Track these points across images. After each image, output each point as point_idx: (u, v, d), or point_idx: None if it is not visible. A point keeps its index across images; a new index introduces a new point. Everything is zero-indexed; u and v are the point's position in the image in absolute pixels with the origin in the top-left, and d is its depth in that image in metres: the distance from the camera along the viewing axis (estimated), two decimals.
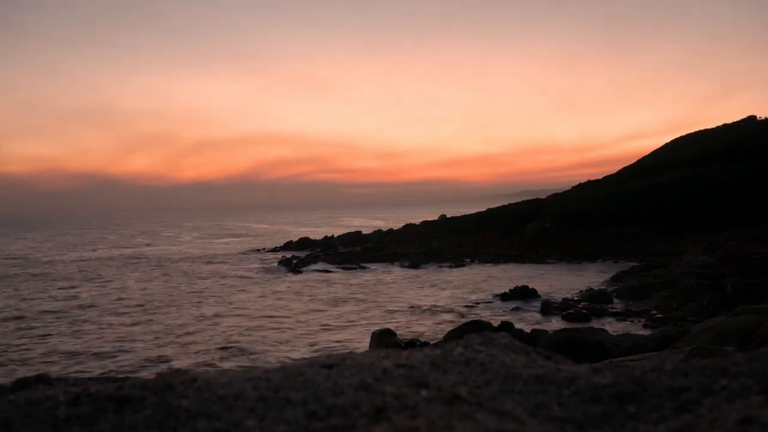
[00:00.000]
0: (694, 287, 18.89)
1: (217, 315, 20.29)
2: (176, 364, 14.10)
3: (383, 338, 14.28)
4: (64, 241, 71.64)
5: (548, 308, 19.36)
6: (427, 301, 22.23)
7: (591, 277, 27.47)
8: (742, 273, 19.65)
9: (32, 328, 18.65)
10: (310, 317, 19.62)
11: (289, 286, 27.26)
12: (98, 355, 15.11)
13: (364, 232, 53.94)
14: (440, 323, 18.15)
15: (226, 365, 13.85)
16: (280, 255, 41.78)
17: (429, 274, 30.61)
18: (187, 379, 1.37)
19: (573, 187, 51.78)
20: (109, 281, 30.69)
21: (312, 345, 15.83)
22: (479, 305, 21.12)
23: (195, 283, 29.13)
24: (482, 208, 52.77)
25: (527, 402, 1.30)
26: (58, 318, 20.28)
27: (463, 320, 17.64)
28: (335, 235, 53.54)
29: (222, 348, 15.63)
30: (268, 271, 34.04)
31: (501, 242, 40.14)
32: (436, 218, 58.05)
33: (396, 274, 31.03)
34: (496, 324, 15.82)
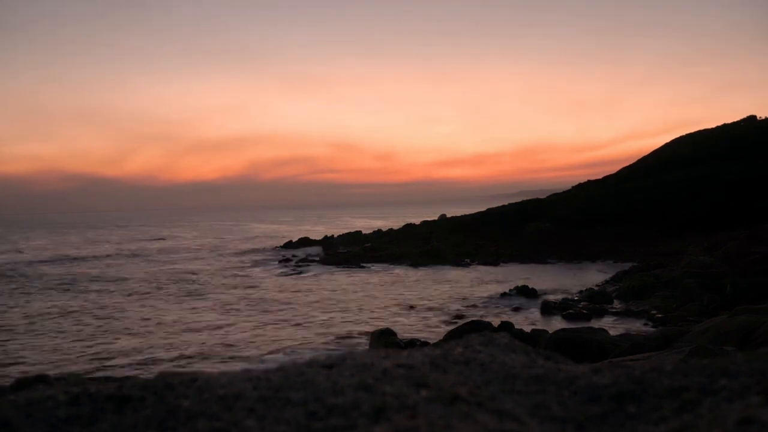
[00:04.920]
0: (694, 287, 18.90)
1: (214, 315, 20.29)
2: (175, 363, 14.09)
3: (383, 338, 14.29)
4: (65, 242, 71.67)
5: (548, 308, 19.38)
6: (427, 301, 22.24)
7: (591, 277, 27.48)
8: (742, 273, 19.65)
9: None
10: (309, 317, 19.63)
11: (288, 286, 27.26)
12: (89, 358, 15.11)
13: (364, 232, 53.97)
14: (440, 323, 18.16)
15: (226, 365, 13.85)
16: (279, 255, 41.80)
17: (429, 274, 30.61)
18: (187, 379, 1.37)
19: (573, 187, 51.75)
20: (111, 281, 30.69)
21: (311, 345, 15.83)
22: (479, 305, 21.13)
23: (193, 284, 29.13)
24: (482, 208, 52.76)
25: (527, 402, 1.30)
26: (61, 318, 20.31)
27: (463, 320, 17.64)
28: (335, 235, 53.57)
29: (221, 348, 15.63)
30: (268, 270, 34.04)
31: (501, 242, 40.14)
32: (436, 218, 58.05)
33: (396, 274, 31.03)
34: (496, 324, 15.83)
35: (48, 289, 27.64)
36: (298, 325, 18.52)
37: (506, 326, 15.60)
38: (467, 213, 54.13)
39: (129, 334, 17.47)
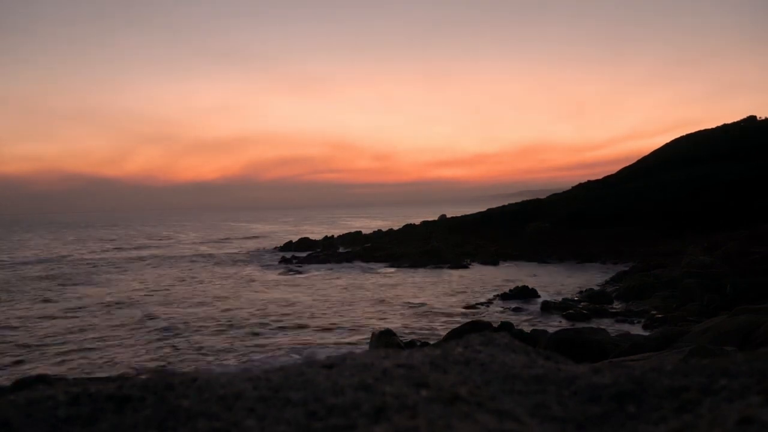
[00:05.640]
0: (694, 287, 18.88)
1: (214, 315, 20.28)
2: (174, 364, 14.10)
3: (383, 338, 14.28)
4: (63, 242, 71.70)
5: (548, 308, 19.37)
6: (427, 301, 22.23)
7: (591, 277, 27.47)
8: (742, 273, 19.64)
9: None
10: (309, 318, 19.62)
11: (288, 287, 27.26)
12: (86, 355, 15.11)
13: (364, 232, 53.96)
14: (440, 323, 18.15)
15: (227, 365, 13.85)
16: (279, 255, 41.78)
17: (429, 274, 30.60)
18: (187, 379, 1.37)
19: (573, 187, 51.80)
20: (111, 281, 30.69)
21: (312, 345, 15.82)
22: (479, 305, 21.12)
23: (193, 284, 29.13)
24: (482, 208, 52.78)
25: (527, 402, 1.30)
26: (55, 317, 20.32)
27: (463, 320, 17.64)
28: (335, 236, 53.56)
29: (221, 348, 15.63)
30: (268, 271, 34.03)
31: (501, 242, 40.14)
32: (436, 218, 58.06)
33: (396, 274, 31.03)
34: (496, 324, 15.81)
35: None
36: (297, 325, 18.51)
37: (506, 326, 15.59)
38: (467, 213, 54.13)
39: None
